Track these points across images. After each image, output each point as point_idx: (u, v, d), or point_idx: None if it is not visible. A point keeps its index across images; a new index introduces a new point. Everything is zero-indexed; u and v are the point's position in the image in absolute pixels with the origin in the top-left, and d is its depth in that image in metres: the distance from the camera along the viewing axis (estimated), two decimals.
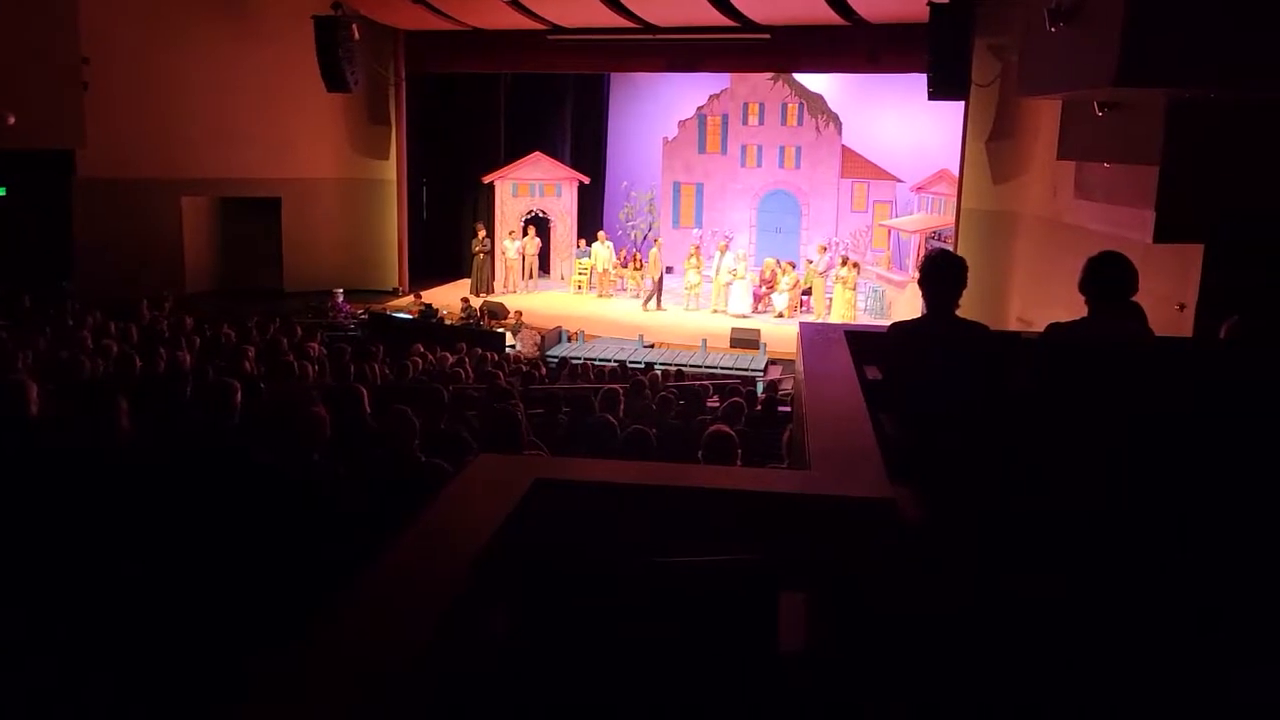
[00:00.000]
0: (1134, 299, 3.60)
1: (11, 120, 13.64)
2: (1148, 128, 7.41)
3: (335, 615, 1.79)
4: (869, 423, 2.89)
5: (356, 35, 17.45)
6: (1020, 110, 13.85)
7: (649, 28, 17.80)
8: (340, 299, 18.29)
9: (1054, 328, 3.54)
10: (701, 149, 22.41)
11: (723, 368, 15.16)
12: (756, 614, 2.13)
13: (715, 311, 19.33)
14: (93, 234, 16.86)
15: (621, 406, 7.27)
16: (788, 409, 9.53)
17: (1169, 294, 8.27)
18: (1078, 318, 3.51)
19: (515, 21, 17.94)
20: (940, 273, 3.57)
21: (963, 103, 15.31)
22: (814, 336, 4.39)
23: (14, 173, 16.23)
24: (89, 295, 13.70)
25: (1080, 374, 3.39)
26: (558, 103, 23.52)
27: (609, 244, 21.03)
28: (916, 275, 19.92)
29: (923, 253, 18.65)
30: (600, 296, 20.72)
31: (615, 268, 20.94)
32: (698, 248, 20.20)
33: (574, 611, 2.17)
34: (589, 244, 21.62)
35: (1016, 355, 3.70)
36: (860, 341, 4.28)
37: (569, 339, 17.08)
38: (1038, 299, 12.59)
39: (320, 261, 19.56)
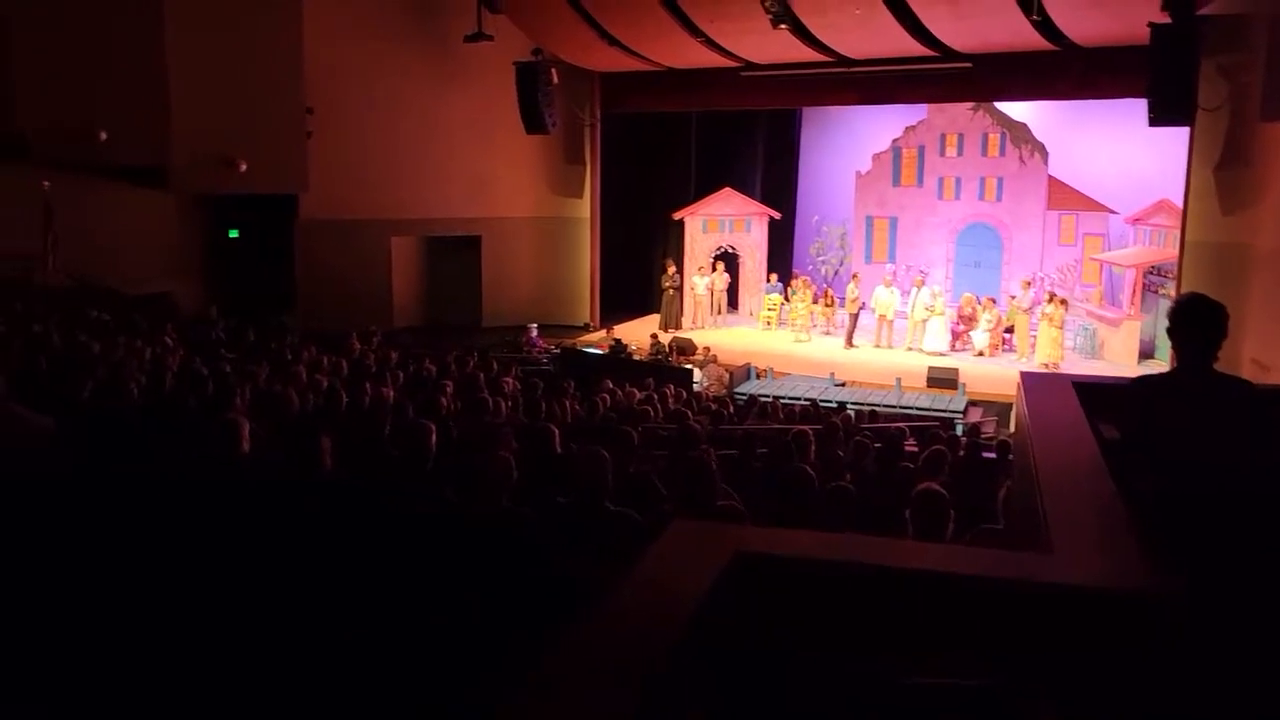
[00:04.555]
0: None
1: (244, 167, 14.85)
2: None
3: (522, 702, 1.63)
4: (1117, 494, 2.52)
5: (555, 79, 17.99)
6: (1255, 135, 12.65)
7: (843, 60, 17.45)
8: (535, 334, 18.74)
9: None
10: (896, 182, 21.72)
11: (918, 408, 14.49)
12: None
13: (910, 349, 18.59)
14: (311, 272, 18.03)
15: (812, 450, 6.96)
16: (992, 455, 8.93)
17: None
18: None
19: (709, 60, 18.00)
20: (1196, 319, 3.10)
21: (1186, 128, 14.17)
22: (1037, 386, 3.98)
23: (245, 215, 17.67)
24: (307, 329, 14.59)
25: None
26: (748, 137, 23.39)
27: (895, 290, 19.13)
28: (1132, 312, 18.30)
29: (1140, 288, 17.30)
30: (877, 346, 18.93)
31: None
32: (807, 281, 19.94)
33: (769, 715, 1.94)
34: (780, 279, 21.20)
35: None
36: (1091, 394, 3.83)
37: (758, 376, 16.81)
38: (1276, 339, 11.37)
39: (516, 297, 20.19)
